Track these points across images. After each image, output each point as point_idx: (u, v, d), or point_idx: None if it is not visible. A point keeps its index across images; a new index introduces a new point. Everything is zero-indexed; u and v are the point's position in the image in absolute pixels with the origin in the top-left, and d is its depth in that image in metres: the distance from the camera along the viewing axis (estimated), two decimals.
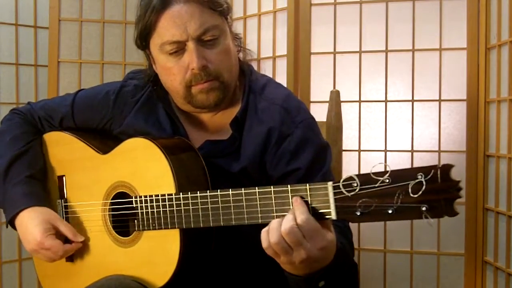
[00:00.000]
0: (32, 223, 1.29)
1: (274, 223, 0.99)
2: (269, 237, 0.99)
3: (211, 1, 1.23)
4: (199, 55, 1.21)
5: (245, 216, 1.06)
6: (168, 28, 1.21)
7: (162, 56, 1.26)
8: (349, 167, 2.27)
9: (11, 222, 1.34)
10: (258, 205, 1.04)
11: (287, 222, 0.97)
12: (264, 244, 1.00)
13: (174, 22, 1.21)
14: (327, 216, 0.97)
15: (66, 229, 1.32)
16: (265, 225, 1.03)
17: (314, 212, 0.99)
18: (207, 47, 1.23)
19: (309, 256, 0.98)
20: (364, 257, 2.28)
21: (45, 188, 1.41)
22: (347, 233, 1.24)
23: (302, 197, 0.99)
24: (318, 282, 1.04)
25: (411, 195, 0.87)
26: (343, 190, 0.94)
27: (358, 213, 0.92)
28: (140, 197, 1.22)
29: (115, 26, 2.56)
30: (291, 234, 0.96)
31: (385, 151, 2.26)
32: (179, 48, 1.23)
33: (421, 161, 2.22)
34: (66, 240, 1.33)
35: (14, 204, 1.33)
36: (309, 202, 0.99)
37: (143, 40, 1.28)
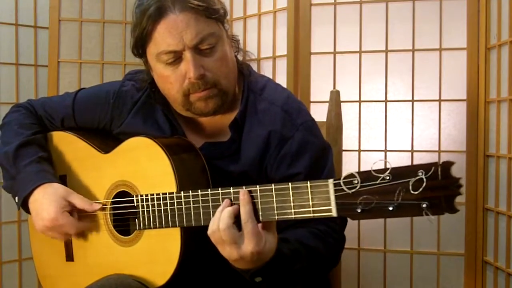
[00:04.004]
0: (48, 199, 1.28)
1: (217, 212, 1.06)
2: (213, 225, 1.06)
3: (206, 9, 1.22)
4: (196, 64, 1.21)
5: None
6: (164, 37, 1.21)
7: (159, 65, 1.25)
8: (349, 167, 2.27)
9: (24, 201, 1.32)
10: (259, 203, 1.04)
11: (227, 219, 1.03)
12: (209, 230, 1.06)
13: (169, 32, 1.20)
14: (327, 214, 0.97)
15: (81, 202, 1.31)
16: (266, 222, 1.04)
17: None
18: (204, 55, 1.23)
19: (241, 256, 1.03)
20: (364, 257, 2.28)
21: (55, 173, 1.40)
22: (326, 237, 1.25)
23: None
24: (254, 277, 1.08)
25: (412, 192, 0.88)
26: (343, 187, 0.94)
27: (359, 210, 0.92)
28: (141, 196, 1.22)
29: (115, 26, 2.56)
30: (226, 231, 1.03)
31: (385, 151, 2.26)
32: (176, 57, 1.22)
33: (421, 161, 2.21)
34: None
35: (28, 182, 1.32)
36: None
37: (140, 48, 1.28)
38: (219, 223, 1.04)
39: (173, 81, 1.24)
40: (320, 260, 1.23)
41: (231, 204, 1.06)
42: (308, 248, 1.17)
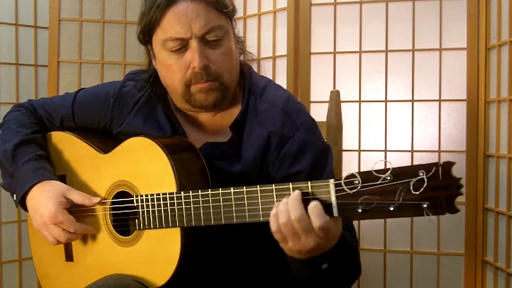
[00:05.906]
0: (46, 196, 1.27)
1: (282, 205, 1.00)
2: (278, 219, 1.00)
3: (217, 1, 1.23)
4: (201, 54, 1.21)
5: (247, 214, 1.06)
6: (173, 24, 1.21)
7: (163, 53, 1.25)
8: (349, 167, 2.27)
9: (22, 199, 1.31)
10: (260, 203, 1.04)
11: (299, 206, 0.98)
12: (273, 227, 1.01)
13: (179, 19, 1.20)
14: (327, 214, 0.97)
15: (79, 197, 1.29)
16: (266, 223, 1.04)
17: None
18: (210, 47, 1.23)
19: (318, 244, 0.99)
20: (364, 257, 2.27)
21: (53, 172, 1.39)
22: (350, 227, 1.25)
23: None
24: (321, 265, 1.05)
25: (413, 192, 0.88)
26: (344, 187, 0.94)
27: (360, 210, 0.92)
28: (141, 196, 1.22)
29: (115, 26, 2.56)
30: (300, 220, 0.97)
31: (385, 151, 2.26)
32: (182, 46, 1.22)
33: (421, 161, 2.22)
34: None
35: (26, 180, 1.31)
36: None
37: (146, 35, 1.28)
38: (289, 213, 0.98)
39: (176, 69, 1.24)
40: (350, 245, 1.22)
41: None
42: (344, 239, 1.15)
